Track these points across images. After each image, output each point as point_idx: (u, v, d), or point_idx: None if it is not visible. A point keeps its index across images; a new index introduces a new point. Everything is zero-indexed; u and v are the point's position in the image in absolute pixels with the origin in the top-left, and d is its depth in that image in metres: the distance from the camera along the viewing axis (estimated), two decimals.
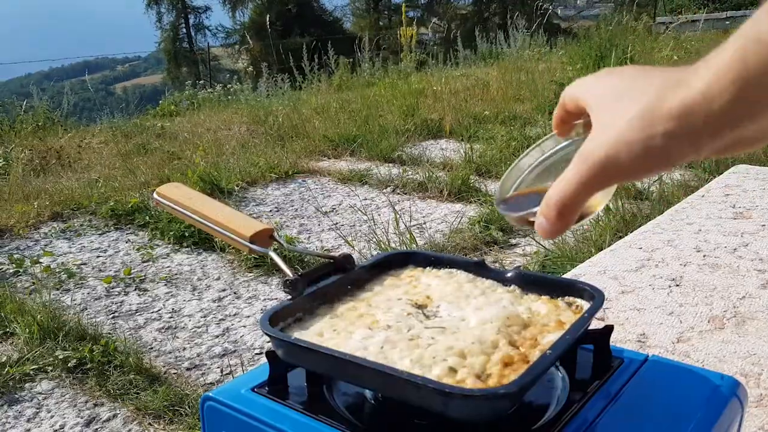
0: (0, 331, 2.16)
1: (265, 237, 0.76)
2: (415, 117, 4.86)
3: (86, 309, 2.34)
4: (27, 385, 1.88)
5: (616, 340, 1.16)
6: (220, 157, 4.17)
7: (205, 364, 1.96)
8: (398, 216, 2.76)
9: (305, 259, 2.52)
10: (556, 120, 0.48)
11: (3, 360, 1.97)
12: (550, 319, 0.66)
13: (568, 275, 1.75)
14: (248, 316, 2.23)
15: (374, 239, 2.71)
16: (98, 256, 2.82)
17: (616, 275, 1.66)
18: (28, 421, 1.73)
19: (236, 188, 3.63)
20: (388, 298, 0.73)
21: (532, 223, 0.47)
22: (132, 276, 2.59)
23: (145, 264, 2.72)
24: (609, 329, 0.69)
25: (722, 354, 1.30)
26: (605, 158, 0.38)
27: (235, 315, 2.25)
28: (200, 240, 2.86)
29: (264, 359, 0.68)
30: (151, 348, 2.07)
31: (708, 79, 0.35)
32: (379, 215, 3.09)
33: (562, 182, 0.41)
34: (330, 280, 0.73)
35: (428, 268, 0.79)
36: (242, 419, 0.65)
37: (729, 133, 0.36)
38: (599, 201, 0.49)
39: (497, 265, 2.35)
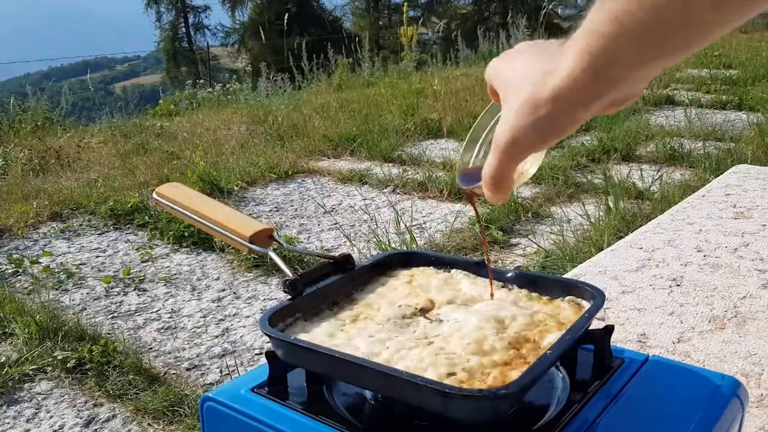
0: None
1: (264, 237, 0.76)
2: (415, 116, 4.86)
3: (85, 309, 2.34)
4: (26, 385, 1.88)
5: (616, 340, 1.15)
6: (220, 157, 4.17)
7: (205, 365, 1.95)
8: (399, 216, 2.76)
9: (305, 259, 2.52)
10: (489, 93, 0.56)
11: (2, 360, 1.97)
12: (551, 320, 0.66)
13: (568, 275, 1.75)
14: (248, 317, 2.22)
15: (374, 239, 2.71)
16: (97, 256, 2.82)
17: (616, 275, 1.65)
18: (28, 421, 1.73)
19: (236, 188, 3.63)
20: (389, 298, 0.73)
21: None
22: (131, 276, 2.59)
23: (145, 264, 2.72)
24: (609, 329, 0.68)
25: (723, 354, 1.29)
26: (510, 141, 0.48)
27: (234, 315, 2.24)
28: (200, 240, 2.85)
29: (264, 359, 0.67)
30: (151, 348, 2.07)
31: (568, 68, 0.43)
32: (379, 215, 3.09)
33: (488, 163, 0.50)
34: (330, 280, 0.73)
35: (428, 268, 0.79)
36: (242, 420, 0.64)
37: (599, 102, 0.44)
38: (530, 167, 0.59)
39: (497, 265, 2.35)
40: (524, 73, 0.48)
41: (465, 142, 0.62)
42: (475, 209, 0.73)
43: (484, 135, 0.61)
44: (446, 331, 0.64)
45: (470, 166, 0.62)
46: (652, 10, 0.37)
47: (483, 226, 0.71)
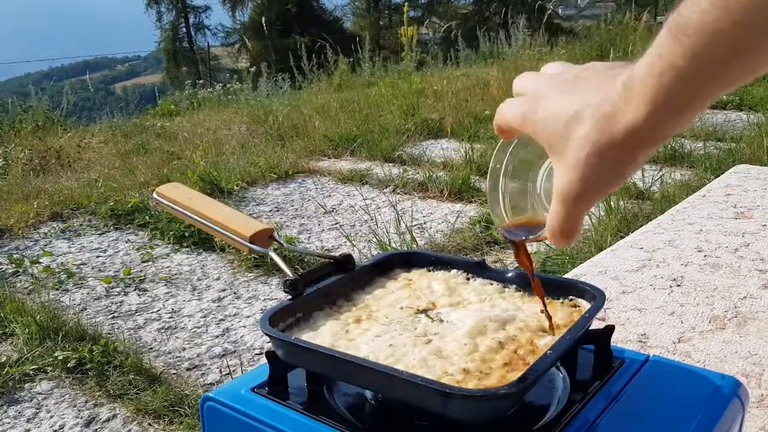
0: None
1: (265, 237, 0.76)
2: (416, 116, 4.86)
3: (86, 309, 2.34)
4: (26, 385, 1.88)
5: (617, 340, 1.15)
6: (220, 157, 4.17)
7: (205, 365, 1.95)
8: (399, 216, 2.75)
9: (305, 259, 2.52)
10: (498, 131, 0.53)
11: (2, 360, 1.97)
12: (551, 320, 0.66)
13: (568, 275, 1.75)
14: (248, 317, 2.22)
15: (375, 239, 2.71)
16: (98, 256, 2.82)
17: (617, 275, 1.65)
18: (28, 421, 1.73)
19: (236, 188, 3.63)
20: (390, 298, 0.73)
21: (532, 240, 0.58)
22: (132, 276, 2.59)
23: (145, 264, 2.72)
24: (610, 329, 0.68)
25: (723, 354, 1.29)
26: (580, 192, 0.45)
27: (235, 315, 2.24)
28: (200, 240, 2.85)
29: (264, 359, 0.67)
30: (151, 348, 2.07)
31: (641, 108, 0.40)
32: (380, 215, 3.09)
33: (555, 216, 0.47)
34: (330, 281, 0.73)
35: (429, 268, 0.79)
36: (242, 420, 0.64)
37: (671, 134, 0.42)
38: None
39: (498, 265, 2.34)
40: (571, 114, 0.44)
41: (488, 190, 0.58)
42: (530, 265, 0.63)
43: (502, 180, 0.57)
44: (446, 330, 0.64)
45: (509, 222, 0.57)
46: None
47: (539, 284, 0.66)
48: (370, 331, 0.65)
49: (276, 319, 0.65)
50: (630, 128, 0.41)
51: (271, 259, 0.74)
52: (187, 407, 1.72)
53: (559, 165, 0.46)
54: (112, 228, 3.16)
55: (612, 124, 0.42)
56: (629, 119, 0.41)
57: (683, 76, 0.38)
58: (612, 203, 2.69)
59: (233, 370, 1.89)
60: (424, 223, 3.00)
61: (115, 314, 2.30)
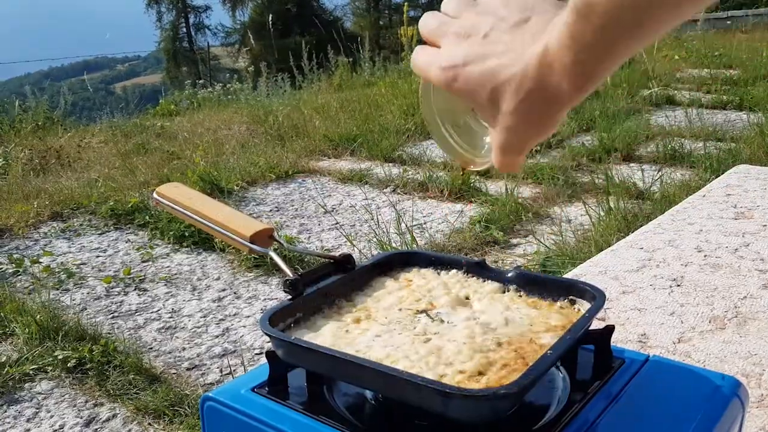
0: None
1: (265, 237, 0.76)
2: (416, 116, 4.85)
3: (86, 309, 2.34)
4: (26, 385, 1.88)
5: (616, 340, 1.15)
6: (220, 157, 4.17)
7: (205, 364, 1.95)
8: (400, 216, 2.76)
9: (305, 259, 2.52)
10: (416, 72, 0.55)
11: (3, 360, 1.97)
12: (550, 320, 0.66)
13: (568, 275, 1.75)
14: (248, 316, 2.22)
15: (375, 239, 2.71)
16: (98, 256, 2.82)
17: (617, 275, 1.65)
18: (28, 421, 1.73)
19: (236, 188, 3.63)
20: (390, 298, 0.73)
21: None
22: (132, 276, 2.59)
23: (145, 264, 2.72)
24: (610, 329, 0.68)
25: (723, 354, 1.29)
26: (517, 147, 0.49)
27: (235, 315, 2.24)
28: (200, 240, 2.86)
29: (264, 359, 0.67)
30: (151, 348, 2.07)
31: (564, 83, 0.43)
32: (380, 215, 3.09)
33: (498, 160, 0.51)
34: (330, 280, 0.73)
35: (429, 268, 0.79)
36: (242, 419, 0.64)
37: (597, 84, 0.45)
38: None
39: (498, 265, 2.35)
40: (494, 85, 0.46)
41: (436, 140, 0.58)
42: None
43: (443, 127, 0.57)
44: (445, 330, 0.64)
45: (470, 156, 0.59)
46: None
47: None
48: (370, 331, 0.65)
49: (276, 319, 0.65)
50: (556, 99, 0.45)
51: (271, 259, 0.74)
52: (187, 407, 1.72)
53: (493, 126, 0.49)
54: (112, 228, 3.16)
55: (538, 98, 0.45)
56: (554, 92, 0.44)
57: (596, 51, 0.41)
58: (612, 203, 2.69)
59: (233, 370, 1.89)
60: (424, 223, 3.00)
61: (115, 314, 2.30)
